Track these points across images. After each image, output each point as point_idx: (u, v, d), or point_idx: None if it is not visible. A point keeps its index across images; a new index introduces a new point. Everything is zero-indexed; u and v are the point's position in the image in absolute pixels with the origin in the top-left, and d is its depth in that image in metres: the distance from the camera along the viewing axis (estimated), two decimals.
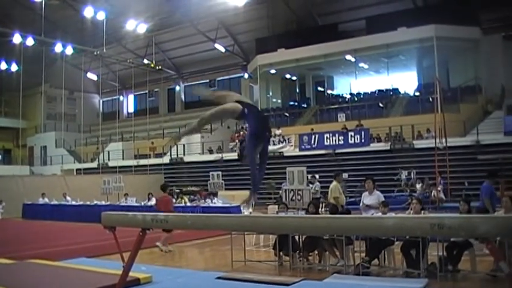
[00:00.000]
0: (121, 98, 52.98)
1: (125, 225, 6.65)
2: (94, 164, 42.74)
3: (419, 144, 28.47)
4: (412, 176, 26.27)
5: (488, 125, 29.03)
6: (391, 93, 36.21)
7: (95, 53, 42.33)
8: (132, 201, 24.38)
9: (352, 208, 14.46)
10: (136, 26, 38.63)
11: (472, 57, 33.66)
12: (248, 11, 36.97)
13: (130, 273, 6.92)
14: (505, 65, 32.47)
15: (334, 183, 14.28)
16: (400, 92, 36.35)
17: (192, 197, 24.95)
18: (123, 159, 41.50)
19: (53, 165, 44.95)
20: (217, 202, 22.16)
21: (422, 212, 10.63)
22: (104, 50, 39.28)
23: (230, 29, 41.36)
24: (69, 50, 40.40)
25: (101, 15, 36.81)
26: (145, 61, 42.93)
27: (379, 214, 10.37)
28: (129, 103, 54.13)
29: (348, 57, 35.35)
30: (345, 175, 28.89)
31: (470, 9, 32.77)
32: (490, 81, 32.49)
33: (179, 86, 49.31)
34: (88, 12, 36.81)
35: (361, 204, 11.92)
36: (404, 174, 26.47)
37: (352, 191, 26.50)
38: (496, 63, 32.52)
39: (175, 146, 38.56)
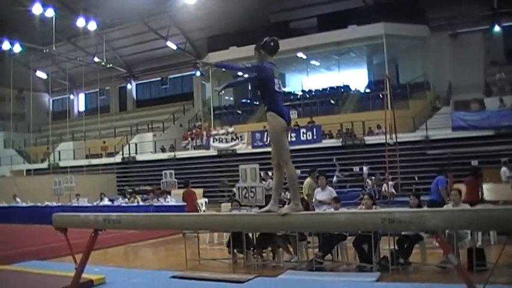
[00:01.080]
0: (71, 96, 51.99)
1: (77, 227, 6.56)
2: (44, 165, 41.95)
3: (370, 140, 28.93)
4: (364, 171, 26.67)
5: (436, 121, 29.67)
6: (342, 90, 36.65)
7: (44, 51, 41.51)
8: (84, 202, 24.01)
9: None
10: (86, 23, 37.99)
11: (420, 55, 34.34)
12: (200, 9, 36.80)
13: (84, 275, 6.84)
14: (452, 62, 33.25)
15: (308, 179, 14.26)
16: (351, 89, 36.80)
17: (145, 196, 24.70)
18: (74, 159, 40.81)
19: (2, 166, 43.83)
20: (171, 201, 21.98)
21: (374, 206, 10.79)
22: (54, 48, 38.57)
23: (182, 27, 41.10)
24: (17, 48, 39.52)
25: (50, 13, 36.10)
26: (96, 59, 42.27)
27: (332, 210, 10.48)
28: (79, 102, 53.24)
29: (300, 54, 35.58)
30: (298, 172, 29.13)
31: (419, 7, 33.49)
32: (438, 78, 33.22)
33: (130, 84, 48.72)
34: (36, 9, 36.01)
35: (313, 200, 12.03)
36: (365, 170, 26.90)
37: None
38: (443, 60, 33.27)
39: (127, 145, 38.17)
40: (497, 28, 34.47)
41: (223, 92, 6.32)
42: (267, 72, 5.73)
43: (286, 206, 5.55)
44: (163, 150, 37.15)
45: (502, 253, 6.34)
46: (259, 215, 5.64)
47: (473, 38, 34.58)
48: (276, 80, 5.75)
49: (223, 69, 6.17)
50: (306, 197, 13.59)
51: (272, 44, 5.93)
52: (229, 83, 6.46)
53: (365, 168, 27.11)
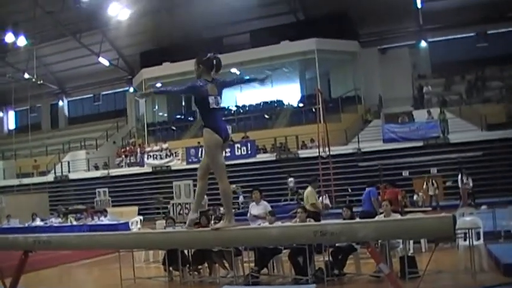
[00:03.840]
0: (0, 114, 50.54)
1: (6, 249, 6.40)
2: None
3: (303, 153, 29.33)
4: (291, 184, 26.94)
5: (367, 133, 30.40)
6: (276, 104, 37.02)
7: None
8: (15, 223, 23.33)
9: (240, 219, 14.59)
10: (16, 38, 37.05)
11: (351, 69, 35.18)
12: (132, 24, 36.52)
13: None
14: (382, 77, 34.28)
15: (309, 189, 14.04)
16: (284, 104, 37.22)
17: (78, 215, 24.15)
18: (4, 178, 39.57)
19: None
20: (105, 220, 21.60)
21: (308, 219, 10.92)
22: None
23: (114, 42, 40.61)
24: None
25: None
26: (27, 75, 41.17)
27: (267, 224, 10.55)
28: (9, 119, 51.71)
29: (233, 70, 35.72)
30: (233, 186, 29.18)
31: (349, 23, 34.36)
32: (369, 92, 34.07)
33: (62, 101, 47.73)
34: None
35: (248, 214, 12.05)
36: (292, 183, 27.15)
37: (241, 202, 26.85)
38: (373, 74, 34.24)
39: (60, 164, 37.32)
40: (423, 43, 35.77)
41: (145, 98, 6.41)
42: (200, 92, 5.81)
43: (221, 221, 5.59)
44: (96, 168, 36.51)
45: (430, 260, 6.58)
46: (193, 231, 5.65)
47: (401, 52, 35.81)
48: (211, 98, 5.81)
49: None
50: (309, 207, 13.23)
51: (214, 62, 6.02)
52: (158, 89, 6.53)
53: (290, 180, 27.43)
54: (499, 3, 31.51)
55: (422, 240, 12.36)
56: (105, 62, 40.78)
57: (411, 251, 11.52)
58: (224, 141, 5.82)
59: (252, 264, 10.70)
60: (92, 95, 45.52)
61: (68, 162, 37.42)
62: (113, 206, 27.41)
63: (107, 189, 25.49)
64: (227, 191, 5.70)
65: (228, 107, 39.36)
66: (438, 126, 27.87)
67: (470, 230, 10.16)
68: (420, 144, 27.58)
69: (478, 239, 10.61)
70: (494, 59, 33.96)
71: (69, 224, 21.73)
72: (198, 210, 5.76)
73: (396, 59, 34.94)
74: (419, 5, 33.18)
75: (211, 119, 5.81)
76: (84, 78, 44.22)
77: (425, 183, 23.77)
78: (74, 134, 43.16)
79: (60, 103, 47.94)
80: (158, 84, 38.67)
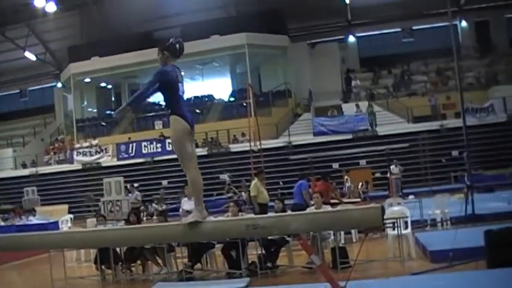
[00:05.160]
0: None
1: None
2: None
3: (235, 147, 29.42)
4: (226, 178, 27.00)
5: (298, 127, 30.78)
6: (207, 99, 36.93)
7: None
8: None
9: (173, 215, 14.55)
10: None
11: (281, 64, 35.46)
12: (60, 18, 35.64)
13: None
14: (311, 71, 34.74)
15: (255, 181, 14.00)
16: (215, 98, 37.16)
17: (5, 216, 23.37)
18: None
19: None
20: (34, 219, 21.00)
21: (240, 214, 10.97)
22: None
23: (41, 36, 39.43)
24: None
25: None
26: None
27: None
28: None
29: None
30: (165, 182, 29.04)
31: (279, 18, 34.60)
32: (299, 86, 34.43)
33: None
34: None
35: (180, 210, 12.01)
36: (226, 177, 27.18)
37: (173, 197, 26.68)
38: (303, 69, 34.63)
39: None
40: (351, 38, 36.52)
41: (122, 114, 6.08)
42: (169, 77, 5.64)
43: (191, 214, 5.40)
44: (24, 166, 35.40)
45: (361, 250, 6.75)
46: (124, 228, 5.58)
47: (330, 47, 36.44)
48: (179, 85, 5.71)
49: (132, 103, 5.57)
50: (253, 200, 13.42)
51: (177, 46, 5.79)
52: (130, 100, 6.12)
53: (224, 176, 27.50)
54: (423, 0, 32.53)
55: (352, 231, 12.64)
56: (32, 57, 39.58)
57: (342, 241, 11.77)
58: (192, 129, 5.65)
59: (186, 260, 10.67)
60: (18, 91, 43.99)
61: None
62: (42, 205, 26.71)
63: (35, 188, 24.77)
64: (196, 180, 5.46)
65: (159, 101, 39.00)
66: (366, 119, 28.57)
67: (398, 220, 10.46)
68: (349, 137, 28.21)
69: (406, 228, 10.93)
70: (419, 53, 35.08)
71: None
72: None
73: (325, 54, 35.48)
74: (347, 1, 33.86)
75: (179, 106, 5.64)
76: (9, 73, 42.64)
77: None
78: (0, 131, 41.73)
79: None
80: (87, 79, 37.89)
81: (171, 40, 5.81)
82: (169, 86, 5.65)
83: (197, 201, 5.43)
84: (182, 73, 5.87)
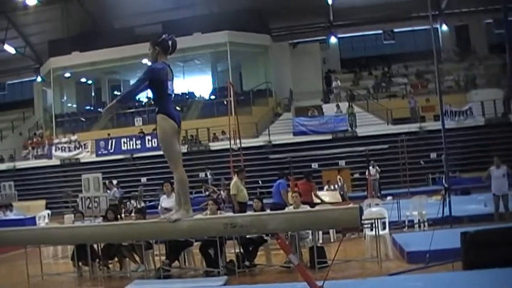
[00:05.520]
0: None
1: None
2: None
3: (215, 146, 29.44)
4: (209, 176, 27.00)
5: (278, 126, 30.83)
6: (187, 96, 36.83)
7: None
8: None
9: (152, 212, 14.48)
10: None
11: (263, 63, 35.51)
12: (41, 11, 35.26)
13: None
14: (292, 71, 34.89)
15: (235, 179, 14.01)
16: (195, 96, 37.09)
17: None
18: None
19: None
20: (10, 214, 20.76)
21: (219, 212, 10.96)
22: None
23: (21, 30, 38.95)
24: None
25: None
26: None
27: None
28: None
29: (145, 61, 34.94)
30: (144, 179, 28.94)
31: (262, 17, 34.63)
32: (280, 85, 34.49)
33: None
34: None
35: (159, 207, 11.96)
36: (209, 175, 27.20)
37: (152, 194, 26.61)
38: (284, 68, 34.74)
39: None
40: (333, 39, 36.68)
41: (113, 113, 5.99)
42: (160, 74, 5.54)
43: (176, 212, 5.38)
44: (1, 160, 35.06)
45: (338, 250, 6.78)
46: (101, 225, 5.55)
47: (312, 47, 36.58)
48: (169, 83, 5.60)
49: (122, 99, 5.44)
50: (232, 197, 13.63)
51: (170, 42, 5.70)
52: (120, 96, 6.03)
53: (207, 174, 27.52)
54: (404, 3, 32.78)
55: (331, 231, 12.69)
56: (11, 50, 39.12)
57: (320, 241, 11.82)
58: (178, 128, 5.62)
59: (163, 258, 10.64)
60: None
61: None
62: (19, 200, 26.44)
63: (12, 183, 24.47)
64: (184, 179, 5.45)
65: (139, 98, 38.83)
66: (346, 119, 28.73)
67: (376, 220, 10.53)
68: (329, 137, 28.35)
69: (384, 228, 11.01)
70: (400, 55, 35.38)
71: None
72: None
73: (307, 54, 35.61)
74: (330, 2, 33.96)
75: (167, 104, 5.55)
76: None
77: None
78: None
79: None
80: (67, 74, 37.58)
81: (163, 36, 5.73)
82: (159, 84, 5.55)
83: (184, 200, 5.41)
84: (171, 71, 5.76)
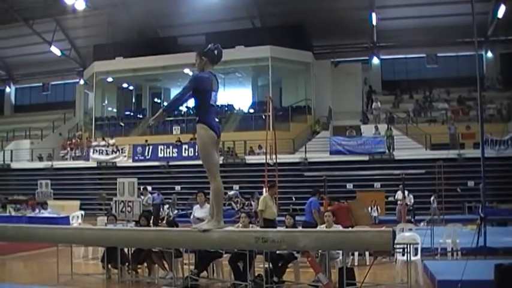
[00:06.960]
0: None
1: None
2: None
3: (251, 159, 29.42)
4: (232, 192, 27.04)
5: (315, 144, 30.69)
6: (226, 108, 37.04)
7: None
8: None
9: (183, 221, 14.54)
10: None
11: (303, 80, 35.48)
12: (88, 16, 36.00)
13: None
14: (333, 89, 34.82)
15: (264, 195, 13.94)
16: (234, 108, 37.30)
17: (18, 206, 23.53)
18: None
19: None
20: (45, 212, 21.13)
21: (251, 225, 10.96)
22: None
23: (68, 33, 39.83)
24: None
25: None
26: None
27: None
28: None
29: (186, 70, 35.47)
30: (178, 187, 29.11)
31: (305, 34, 34.65)
32: (319, 103, 34.41)
33: (9, 87, 46.57)
34: None
35: (191, 217, 12.00)
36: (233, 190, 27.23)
37: (184, 203, 26.76)
38: (325, 86, 34.66)
39: (2, 152, 36.33)
40: (375, 60, 36.55)
41: (159, 121, 6.07)
42: (204, 84, 5.59)
43: (208, 222, 5.40)
44: (40, 159, 35.67)
45: (368, 273, 6.70)
46: (134, 229, 5.59)
47: (354, 67, 36.49)
48: (213, 93, 5.62)
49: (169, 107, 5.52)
50: (258, 212, 13.37)
51: (216, 52, 5.75)
52: (167, 105, 6.10)
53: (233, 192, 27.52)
54: (449, 28, 32.45)
55: (366, 253, 12.55)
56: (57, 52, 39.97)
57: (355, 263, 11.71)
58: (218, 138, 5.66)
59: (192, 267, 10.66)
60: (40, 84, 44.39)
61: (11, 151, 36.46)
62: (55, 198, 26.82)
63: (49, 181, 24.82)
64: (220, 189, 5.49)
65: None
66: (384, 142, 28.46)
67: (408, 246, 10.38)
68: (366, 158, 28.12)
69: (416, 254, 10.84)
70: (442, 80, 34.97)
71: (7, 214, 21.16)
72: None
73: (348, 73, 35.52)
74: (374, 23, 33.86)
75: (208, 115, 5.59)
76: (33, 66, 43.17)
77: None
78: (19, 122, 41.98)
79: (7, 89, 46.78)
80: (109, 79, 38.14)
81: (209, 46, 5.77)
82: (203, 93, 5.59)
83: (217, 210, 5.43)
84: (217, 81, 5.79)
